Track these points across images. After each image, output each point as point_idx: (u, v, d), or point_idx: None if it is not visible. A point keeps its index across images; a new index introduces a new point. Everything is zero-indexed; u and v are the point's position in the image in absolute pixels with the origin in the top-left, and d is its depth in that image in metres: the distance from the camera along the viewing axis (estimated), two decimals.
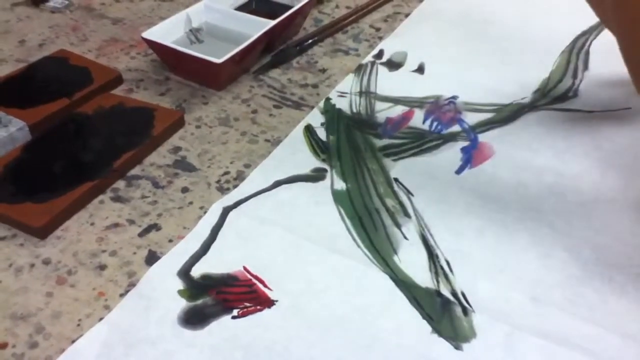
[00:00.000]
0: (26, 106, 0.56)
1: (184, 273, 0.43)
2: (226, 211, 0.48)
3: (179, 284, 0.42)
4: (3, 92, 0.58)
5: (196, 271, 0.43)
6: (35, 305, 0.41)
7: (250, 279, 0.42)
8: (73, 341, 0.38)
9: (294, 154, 0.54)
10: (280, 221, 0.47)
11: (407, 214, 0.48)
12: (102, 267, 0.44)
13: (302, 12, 0.71)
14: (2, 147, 0.52)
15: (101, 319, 0.40)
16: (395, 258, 0.44)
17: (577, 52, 0.69)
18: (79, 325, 0.40)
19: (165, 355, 0.38)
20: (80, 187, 0.48)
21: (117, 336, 0.39)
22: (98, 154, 0.52)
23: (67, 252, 0.45)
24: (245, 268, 0.43)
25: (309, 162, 0.53)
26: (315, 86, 0.64)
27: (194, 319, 0.40)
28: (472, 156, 0.54)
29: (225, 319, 0.40)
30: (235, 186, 0.51)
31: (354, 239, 0.46)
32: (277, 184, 0.51)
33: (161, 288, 0.42)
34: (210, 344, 0.38)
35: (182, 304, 0.41)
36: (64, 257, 0.44)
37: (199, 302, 0.41)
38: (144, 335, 0.39)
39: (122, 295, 0.41)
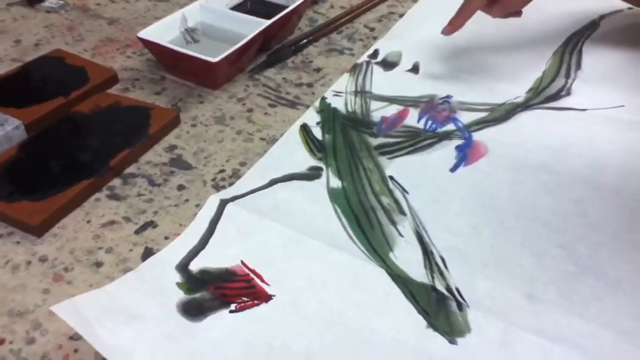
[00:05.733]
0: (22, 105, 0.56)
1: (183, 267, 0.43)
2: (223, 203, 0.48)
3: (178, 277, 0.42)
4: None
5: (195, 266, 0.43)
6: (32, 302, 0.41)
7: (248, 274, 0.42)
8: (70, 337, 0.39)
9: (290, 152, 0.54)
10: (277, 217, 0.47)
11: (402, 212, 0.48)
12: (99, 264, 0.44)
13: (297, 12, 0.72)
14: None
15: None
16: (391, 255, 0.45)
17: (570, 52, 0.70)
18: None
19: (166, 337, 0.38)
20: (76, 185, 0.48)
21: (117, 305, 0.39)
22: (94, 152, 0.52)
23: (64, 250, 0.45)
24: (243, 263, 0.43)
25: (305, 160, 0.53)
26: (310, 85, 0.65)
27: (192, 311, 0.40)
28: (466, 154, 0.54)
29: (223, 313, 0.40)
30: (231, 184, 0.51)
31: (350, 237, 0.46)
32: (273, 182, 0.51)
33: (160, 278, 0.42)
34: (209, 337, 0.38)
35: (181, 295, 0.41)
36: (61, 255, 0.44)
37: (197, 295, 0.41)
38: (145, 312, 0.39)
39: None
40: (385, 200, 0.49)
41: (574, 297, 0.42)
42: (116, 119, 0.56)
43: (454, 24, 0.61)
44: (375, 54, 0.70)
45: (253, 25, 0.64)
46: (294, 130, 0.57)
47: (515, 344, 0.39)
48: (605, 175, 0.52)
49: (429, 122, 0.58)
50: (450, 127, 0.58)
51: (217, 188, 0.51)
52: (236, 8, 0.73)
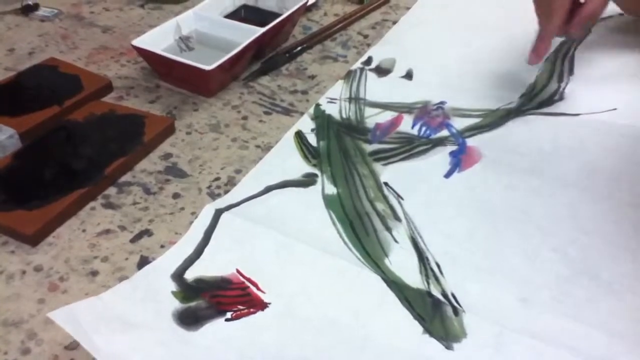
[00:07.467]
0: (16, 114, 0.56)
1: (178, 276, 0.43)
2: (218, 213, 0.48)
3: (173, 286, 0.42)
4: None
5: (190, 274, 0.43)
6: (27, 312, 0.41)
7: (244, 282, 0.42)
8: (65, 347, 0.39)
9: (285, 159, 0.55)
10: (273, 225, 0.47)
11: (397, 218, 0.49)
12: (94, 273, 0.44)
13: (291, 20, 0.72)
14: None
15: None
16: (387, 261, 0.45)
17: (563, 57, 0.70)
18: None
19: (161, 345, 0.38)
20: (71, 194, 0.48)
21: (112, 314, 0.39)
22: (89, 161, 0.52)
23: (59, 259, 0.45)
24: (238, 271, 0.43)
25: (299, 167, 0.54)
26: (304, 92, 0.65)
27: (187, 319, 0.40)
28: (460, 160, 0.55)
29: (219, 322, 0.40)
30: (226, 191, 0.51)
31: (346, 243, 0.46)
32: (268, 189, 0.51)
33: (155, 286, 0.42)
34: (205, 345, 0.38)
35: (176, 303, 0.41)
36: (56, 264, 0.44)
37: (193, 304, 0.41)
38: (141, 320, 0.39)
39: None
40: (380, 206, 0.50)
41: (566, 299, 0.42)
42: (111, 128, 0.56)
43: (539, 52, 0.59)
44: (369, 60, 0.70)
45: (247, 33, 0.64)
46: (288, 137, 0.57)
47: (510, 347, 0.39)
48: (596, 179, 0.53)
49: (423, 128, 0.59)
50: (444, 133, 0.58)
51: (213, 196, 0.51)
52: (230, 16, 0.74)
